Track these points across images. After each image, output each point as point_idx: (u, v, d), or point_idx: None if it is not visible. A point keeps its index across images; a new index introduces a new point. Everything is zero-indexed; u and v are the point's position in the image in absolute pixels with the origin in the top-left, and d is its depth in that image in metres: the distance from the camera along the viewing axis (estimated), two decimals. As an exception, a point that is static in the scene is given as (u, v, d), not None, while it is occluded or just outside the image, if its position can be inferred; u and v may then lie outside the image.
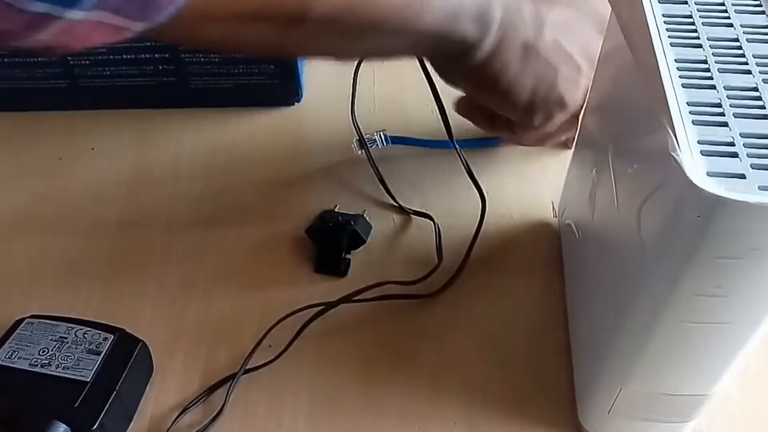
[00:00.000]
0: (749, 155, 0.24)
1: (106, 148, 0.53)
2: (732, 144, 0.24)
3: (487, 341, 0.42)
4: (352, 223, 0.45)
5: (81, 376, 0.36)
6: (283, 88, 0.54)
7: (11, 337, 0.37)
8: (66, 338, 0.37)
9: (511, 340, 0.42)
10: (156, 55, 0.51)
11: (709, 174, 0.23)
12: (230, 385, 0.39)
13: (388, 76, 0.57)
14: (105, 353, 0.37)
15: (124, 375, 0.36)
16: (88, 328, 0.38)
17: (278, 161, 0.52)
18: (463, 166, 0.48)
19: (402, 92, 0.56)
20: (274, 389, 0.40)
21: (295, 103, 0.55)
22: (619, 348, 0.31)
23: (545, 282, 0.44)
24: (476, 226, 0.45)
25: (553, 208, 0.48)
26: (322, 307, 0.42)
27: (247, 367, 0.40)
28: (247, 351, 0.40)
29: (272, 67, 0.52)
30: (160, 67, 0.52)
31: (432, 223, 0.47)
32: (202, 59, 0.51)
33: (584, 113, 0.41)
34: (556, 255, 0.45)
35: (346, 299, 0.42)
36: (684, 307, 0.27)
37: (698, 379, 0.31)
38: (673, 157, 0.23)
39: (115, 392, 0.35)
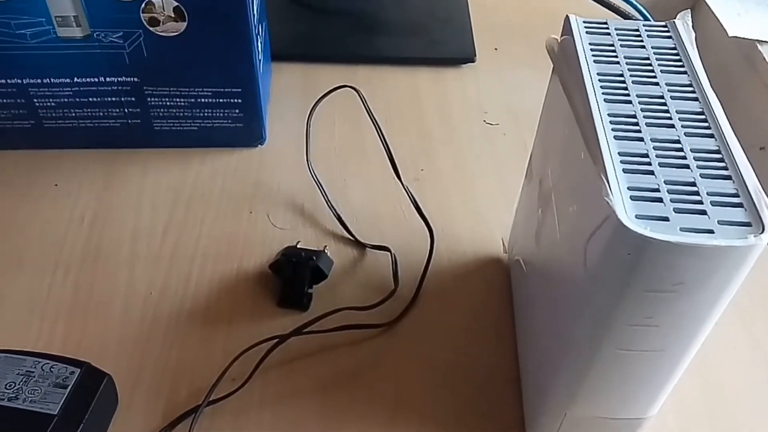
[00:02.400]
0: (672, 200, 0.27)
1: (70, 185, 0.54)
2: (657, 190, 0.27)
3: (440, 370, 0.44)
4: (314, 258, 0.47)
5: (48, 409, 0.36)
6: (247, 131, 0.56)
7: (-23, 372, 0.38)
8: (32, 372, 0.38)
9: (464, 369, 0.44)
10: (122, 99, 0.52)
11: (637, 216, 0.26)
12: (194, 417, 0.40)
13: (347, 123, 0.60)
14: (71, 387, 0.37)
15: (90, 408, 0.37)
16: (54, 362, 0.39)
17: (241, 199, 0.53)
18: (412, 205, 0.51)
19: (359, 138, 0.58)
20: (237, 421, 0.41)
21: (258, 146, 0.57)
22: (563, 374, 0.33)
23: (496, 314, 0.47)
24: (426, 258, 0.48)
25: (503, 244, 0.51)
26: (282, 337, 0.43)
27: (210, 399, 0.41)
28: (210, 384, 0.42)
29: (237, 111, 0.54)
30: (126, 110, 0.53)
31: (389, 254, 0.49)
32: (167, 103, 0.53)
33: (531, 156, 0.44)
34: (506, 289, 0.48)
35: (305, 326, 0.44)
36: (619, 336, 0.29)
37: (635, 403, 0.34)
38: (607, 201, 0.27)
39: (81, 425, 0.36)
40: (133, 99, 0.52)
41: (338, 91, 0.54)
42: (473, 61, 0.66)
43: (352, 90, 0.53)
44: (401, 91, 0.64)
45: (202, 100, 0.53)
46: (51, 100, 0.52)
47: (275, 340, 0.43)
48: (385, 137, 0.52)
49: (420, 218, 0.51)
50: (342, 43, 0.67)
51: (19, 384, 0.37)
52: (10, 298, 0.46)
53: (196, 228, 0.51)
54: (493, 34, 0.70)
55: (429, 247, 0.49)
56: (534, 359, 0.39)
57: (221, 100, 0.53)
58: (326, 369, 0.44)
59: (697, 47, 0.34)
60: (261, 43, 0.54)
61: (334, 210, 0.52)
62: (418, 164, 0.57)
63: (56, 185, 0.54)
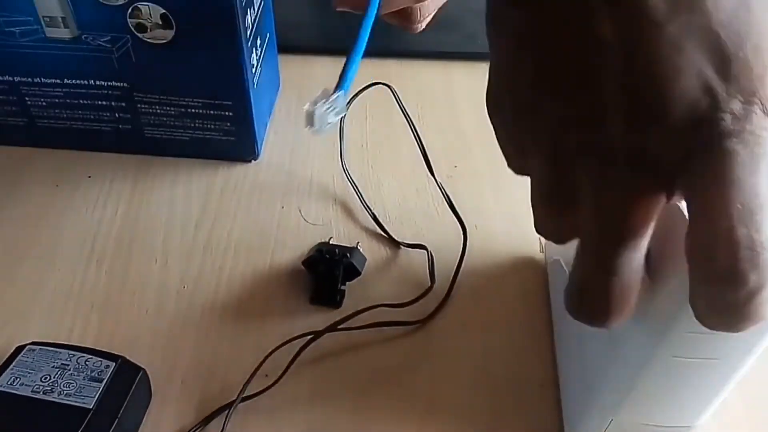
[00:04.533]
0: None
1: (102, 178, 0.53)
2: None
3: (475, 371, 0.43)
4: (348, 255, 0.46)
5: (83, 403, 0.36)
6: (239, 146, 0.54)
7: (12, 364, 0.37)
8: (68, 365, 0.37)
9: (499, 369, 0.43)
10: (112, 103, 0.51)
11: None
12: (227, 414, 0.40)
13: (378, 119, 0.59)
14: (107, 381, 0.37)
15: (125, 402, 0.37)
16: (90, 356, 0.38)
17: (273, 194, 0.53)
18: (446, 202, 0.50)
19: (392, 134, 0.57)
20: (271, 418, 0.40)
21: (252, 161, 0.55)
22: (612, 380, 0.32)
23: (532, 314, 0.46)
24: (459, 255, 0.47)
25: (540, 243, 0.50)
26: (316, 334, 0.43)
27: (243, 396, 0.41)
28: (243, 380, 0.41)
29: (228, 124, 0.52)
30: (117, 115, 0.52)
31: (425, 252, 0.48)
32: (158, 111, 0.51)
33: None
34: (543, 289, 0.47)
35: (339, 323, 0.43)
36: (677, 344, 0.28)
37: (686, 412, 0.33)
38: (678, 205, 0.25)
39: (117, 419, 0.36)
40: (123, 104, 0.51)
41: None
42: (508, 56, 0.65)
43: (384, 86, 0.53)
44: (434, 86, 0.63)
45: (192, 110, 0.51)
46: (42, 99, 0.51)
47: (309, 337, 0.43)
48: (419, 133, 0.52)
49: (453, 215, 0.50)
50: (374, 36, 0.66)
51: (54, 377, 0.37)
52: (45, 290, 0.46)
53: (228, 222, 0.51)
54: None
55: (462, 245, 0.48)
56: (577, 362, 0.38)
57: (211, 112, 0.51)
58: (359, 367, 0.43)
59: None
60: (259, 56, 0.52)
61: (368, 207, 0.51)
62: (451, 161, 0.56)
63: (89, 177, 0.53)
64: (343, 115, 0.30)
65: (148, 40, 0.47)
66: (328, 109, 0.29)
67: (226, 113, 0.51)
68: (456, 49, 0.65)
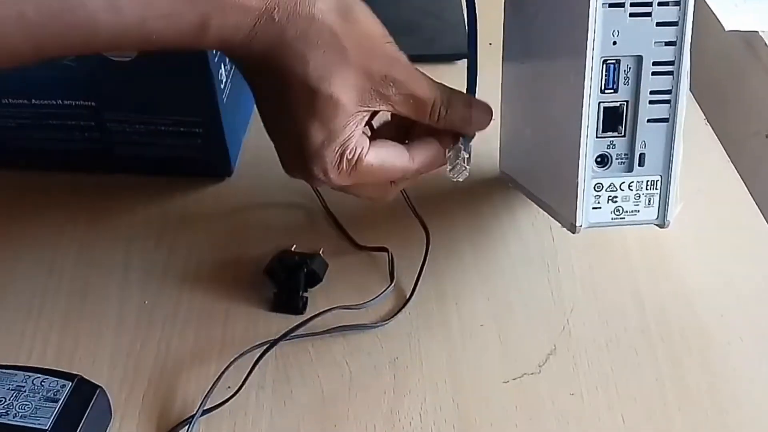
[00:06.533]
0: None
1: (61, 197, 0.53)
2: None
3: (439, 372, 0.43)
4: (309, 262, 0.46)
5: (39, 424, 0.36)
6: (211, 163, 0.53)
7: (-33, 388, 0.37)
8: (23, 387, 0.37)
9: (464, 372, 0.43)
10: (81, 123, 0.51)
11: None
12: (188, 428, 0.39)
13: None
14: (63, 401, 0.37)
15: (82, 422, 0.37)
16: (45, 376, 0.38)
17: (235, 202, 0.53)
18: (407, 203, 0.51)
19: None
20: (234, 428, 0.40)
21: (226, 178, 0.54)
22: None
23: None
24: (423, 257, 0.48)
25: (502, 242, 0.50)
26: (273, 342, 0.43)
27: (205, 408, 0.40)
28: (205, 392, 0.41)
29: (198, 141, 0.51)
30: (86, 134, 0.51)
31: (387, 254, 0.48)
32: (127, 129, 0.51)
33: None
34: (508, 286, 0.47)
35: (296, 328, 0.43)
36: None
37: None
38: None
39: (73, 439, 0.36)
40: (92, 123, 0.51)
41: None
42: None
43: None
44: (395, 90, 0.63)
45: (162, 128, 0.50)
46: (11, 120, 0.51)
47: (270, 343, 0.43)
48: (379, 137, 0.52)
49: (416, 217, 0.50)
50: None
51: (9, 399, 0.37)
52: (2, 312, 0.46)
53: (189, 235, 0.51)
54: (486, 28, 0.69)
55: (425, 247, 0.48)
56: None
57: (181, 129, 0.50)
58: (323, 372, 0.43)
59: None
60: (228, 71, 0.51)
61: (330, 213, 0.51)
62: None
63: (50, 196, 0.53)
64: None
65: (113, 59, 0.46)
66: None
67: (197, 130, 0.51)
68: (415, 52, 0.65)
